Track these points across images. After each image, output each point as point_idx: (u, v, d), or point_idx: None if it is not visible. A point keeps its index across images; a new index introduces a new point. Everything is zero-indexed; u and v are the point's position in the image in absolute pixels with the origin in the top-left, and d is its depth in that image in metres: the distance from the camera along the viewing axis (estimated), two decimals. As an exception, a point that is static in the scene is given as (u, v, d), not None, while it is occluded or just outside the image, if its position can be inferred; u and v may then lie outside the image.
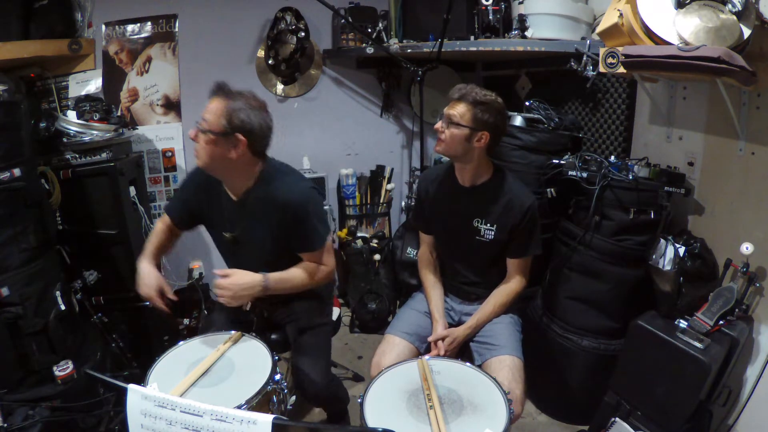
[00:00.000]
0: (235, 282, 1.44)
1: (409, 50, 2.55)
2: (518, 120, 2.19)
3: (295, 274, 1.55)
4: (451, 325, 1.86)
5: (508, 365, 1.56)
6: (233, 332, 1.51)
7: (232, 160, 1.42)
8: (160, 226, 1.70)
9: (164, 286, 1.55)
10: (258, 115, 1.43)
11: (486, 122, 1.58)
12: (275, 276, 1.51)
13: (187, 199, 1.66)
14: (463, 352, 1.74)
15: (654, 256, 1.72)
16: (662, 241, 1.72)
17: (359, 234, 3.17)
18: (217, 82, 1.46)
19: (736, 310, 1.60)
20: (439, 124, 1.63)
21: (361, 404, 1.26)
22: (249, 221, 1.55)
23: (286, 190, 1.50)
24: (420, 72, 2.39)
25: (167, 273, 2.66)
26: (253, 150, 1.45)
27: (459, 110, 1.58)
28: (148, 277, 1.54)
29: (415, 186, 3.14)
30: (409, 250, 2.80)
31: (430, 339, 1.70)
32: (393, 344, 1.69)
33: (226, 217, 1.60)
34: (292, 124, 3.07)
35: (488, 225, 1.69)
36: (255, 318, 1.68)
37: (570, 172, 1.95)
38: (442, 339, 1.67)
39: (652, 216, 1.79)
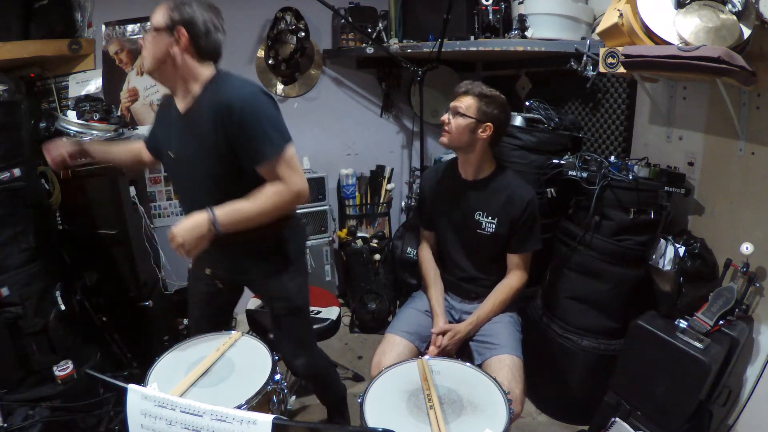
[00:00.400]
0: (181, 227, 1.30)
1: (409, 50, 2.55)
2: (518, 120, 2.19)
3: (246, 202, 1.35)
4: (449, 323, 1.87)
5: (507, 365, 1.57)
6: (233, 332, 1.51)
7: (175, 60, 1.33)
8: (135, 144, 1.70)
9: (66, 157, 1.55)
10: (204, 11, 1.34)
11: (490, 114, 1.65)
12: (223, 208, 1.33)
13: (154, 127, 1.61)
14: (462, 351, 1.74)
15: (654, 256, 1.72)
16: (662, 241, 1.72)
17: (359, 234, 3.17)
18: None
19: (736, 310, 1.60)
20: (445, 117, 1.69)
21: (361, 404, 1.26)
22: (192, 132, 1.40)
23: (231, 90, 1.34)
24: (420, 72, 2.39)
25: (167, 273, 2.66)
26: (197, 48, 1.35)
27: (465, 102, 1.66)
28: (63, 141, 1.58)
29: (415, 185, 3.15)
30: (409, 250, 2.80)
31: (433, 330, 1.70)
32: (393, 344, 1.69)
33: (173, 133, 1.47)
34: (292, 124, 2.98)
35: (489, 218, 1.73)
36: (220, 287, 1.64)
37: (570, 172, 1.95)
38: (444, 333, 1.68)
39: (652, 216, 1.79)
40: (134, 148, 1.68)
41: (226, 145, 1.34)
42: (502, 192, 1.73)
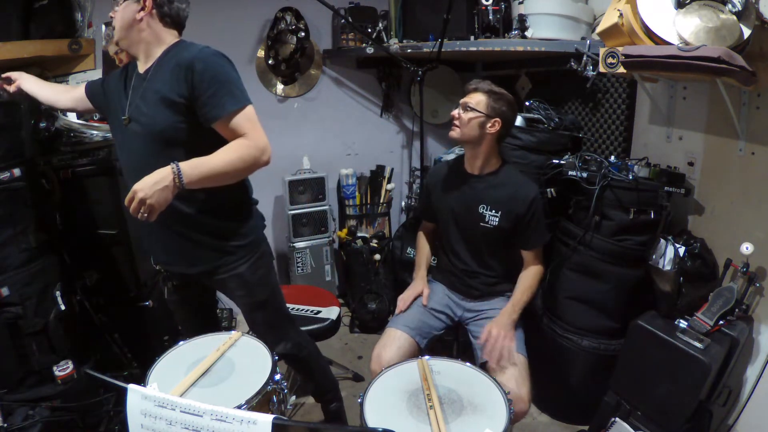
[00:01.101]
0: (143, 181, 1.21)
1: (409, 50, 2.55)
2: (518, 120, 2.19)
3: (211, 156, 1.29)
4: (452, 325, 1.87)
5: (513, 362, 1.58)
6: (233, 332, 1.51)
7: (140, 24, 1.39)
8: (66, 87, 1.77)
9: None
10: None
11: (499, 110, 1.71)
12: (187, 162, 1.26)
13: (103, 83, 1.61)
14: (464, 349, 1.75)
15: (654, 256, 1.72)
16: (662, 241, 1.72)
17: (359, 234, 3.17)
18: None
19: (736, 310, 1.60)
20: (455, 112, 1.76)
21: (361, 404, 1.27)
22: (150, 88, 1.37)
23: (194, 50, 1.35)
24: (420, 72, 2.39)
25: None
26: (161, 14, 1.40)
27: (475, 98, 1.73)
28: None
29: (415, 185, 3.15)
30: (409, 249, 2.80)
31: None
32: (394, 338, 1.71)
33: (127, 96, 1.43)
34: (292, 124, 3.07)
35: (493, 211, 1.77)
36: (169, 285, 1.62)
37: (570, 172, 1.95)
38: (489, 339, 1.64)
39: (652, 216, 1.79)
40: (75, 93, 1.70)
41: (185, 100, 1.32)
42: (507, 187, 1.78)
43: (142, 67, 1.45)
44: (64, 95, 1.70)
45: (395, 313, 1.86)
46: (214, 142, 1.34)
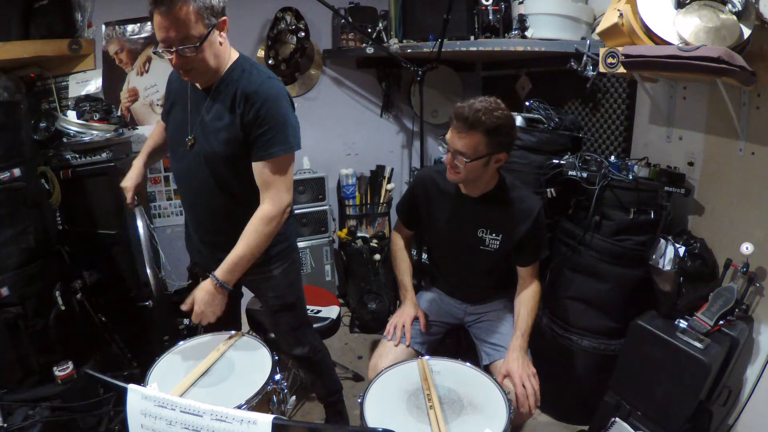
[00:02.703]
0: (198, 303, 1.39)
1: (409, 50, 2.55)
2: (518, 120, 2.19)
3: (240, 247, 1.38)
4: (453, 325, 1.85)
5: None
6: (233, 332, 1.51)
7: (221, 48, 1.33)
8: (157, 128, 1.70)
9: (143, 189, 1.63)
10: None
11: (502, 144, 1.49)
12: (222, 267, 1.39)
13: (168, 97, 1.57)
14: (467, 351, 1.73)
15: (654, 256, 1.72)
16: (662, 241, 1.72)
17: (359, 234, 3.17)
18: None
19: (736, 310, 1.60)
20: (448, 158, 1.51)
21: (361, 404, 1.27)
22: (211, 114, 1.38)
23: (253, 79, 1.34)
24: (420, 72, 2.39)
25: (167, 273, 2.66)
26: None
27: (471, 143, 1.44)
28: (134, 171, 1.61)
29: (413, 174, 3.13)
30: (409, 250, 2.80)
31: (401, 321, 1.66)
32: (391, 347, 1.67)
33: (190, 111, 1.43)
34: (292, 124, 3.07)
35: (493, 235, 1.64)
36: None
37: (570, 172, 1.95)
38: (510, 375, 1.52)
39: (652, 216, 1.79)
40: (158, 132, 1.69)
41: (237, 132, 1.35)
42: (507, 206, 1.62)
43: (201, 84, 1.40)
44: (162, 135, 1.67)
45: (389, 338, 1.68)
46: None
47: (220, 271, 1.39)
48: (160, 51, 1.27)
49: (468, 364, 1.46)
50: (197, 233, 1.57)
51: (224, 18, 1.29)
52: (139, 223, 1.59)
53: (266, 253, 1.51)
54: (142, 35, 2.63)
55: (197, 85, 1.41)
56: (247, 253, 1.39)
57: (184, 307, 1.42)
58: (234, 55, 1.40)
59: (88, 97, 2.39)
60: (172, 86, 1.54)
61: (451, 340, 1.93)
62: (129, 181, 1.60)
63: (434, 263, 1.89)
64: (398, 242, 1.86)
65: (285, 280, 1.62)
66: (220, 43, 1.32)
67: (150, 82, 2.66)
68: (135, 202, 1.61)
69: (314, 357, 1.79)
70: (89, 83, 2.55)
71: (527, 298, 1.67)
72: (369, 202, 3.22)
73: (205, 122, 1.40)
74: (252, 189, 1.41)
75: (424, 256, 2.40)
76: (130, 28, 2.61)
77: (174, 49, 1.23)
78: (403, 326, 1.68)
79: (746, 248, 1.54)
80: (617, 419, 1.72)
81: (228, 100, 1.35)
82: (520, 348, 1.56)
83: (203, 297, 1.39)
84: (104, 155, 2.18)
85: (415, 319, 1.72)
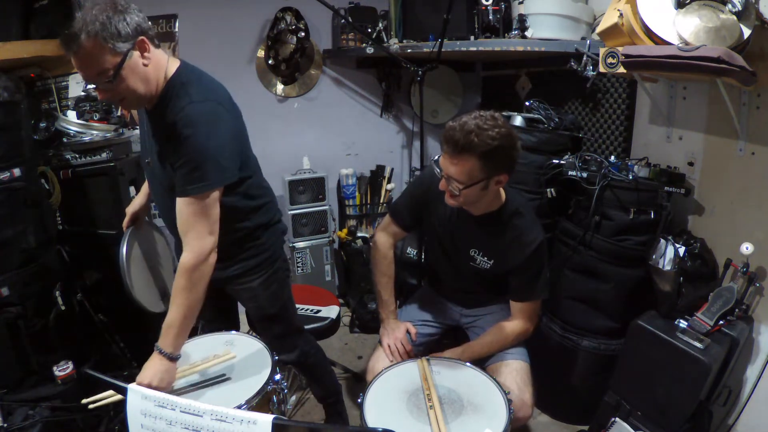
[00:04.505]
0: (144, 378, 1.22)
1: (409, 50, 2.55)
2: (518, 120, 2.19)
3: (172, 311, 1.25)
4: (451, 327, 1.85)
5: (515, 369, 1.55)
6: (233, 332, 1.51)
7: (148, 70, 1.21)
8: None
9: (141, 215, 1.64)
10: (102, 9, 1.13)
11: (500, 164, 1.33)
12: (162, 335, 1.25)
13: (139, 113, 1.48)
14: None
15: (654, 256, 1.72)
16: (662, 241, 1.72)
17: (359, 234, 3.17)
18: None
19: (736, 310, 1.60)
20: (443, 183, 1.38)
21: (361, 404, 1.27)
22: (156, 140, 1.32)
23: (178, 104, 1.22)
24: (420, 72, 2.39)
25: (167, 274, 2.65)
26: (151, 39, 1.21)
27: (464, 169, 1.30)
28: (137, 198, 1.63)
29: (413, 179, 3.13)
30: (409, 250, 2.79)
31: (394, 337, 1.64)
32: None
33: (146, 133, 1.37)
34: (292, 124, 3.06)
35: (485, 258, 1.56)
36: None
37: (570, 172, 1.95)
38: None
39: (652, 216, 1.79)
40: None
41: (170, 156, 1.25)
42: (507, 233, 1.50)
43: (148, 104, 1.31)
44: None
45: (390, 359, 1.61)
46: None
47: (161, 341, 1.25)
48: (90, 89, 1.24)
49: (468, 364, 1.47)
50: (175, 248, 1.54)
51: (140, 38, 1.17)
52: (123, 248, 1.53)
53: (244, 265, 1.48)
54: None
55: (145, 106, 1.32)
56: (179, 315, 1.24)
57: (138, 385, 1.16)
58: (172, 69, 1.27)
59: (88, 97, 2.38)
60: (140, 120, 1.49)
61: (449, 341, 1.93)
62: (130, 207, 1.62)
63: (433, 271, 1.87)
64: (384, 243, 1.72)
65: (265, 292, 1.56)
66: (145, 65, 1.20)
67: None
68: (128, 225, 1.61)
69: (306, 362, 1.77)
70: (89, 83, 2.54)
71: (502, 331, 1.57)
72: (369, 202, 3.22)
73: (154, 144, 1.33)
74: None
75: (424, 255, 2.40)
76: (130, 28, 2.60)
77: (95, 85, 1.19)
78: (402, 343, 1.63)
79: (746, 248, 1.54)
80: (617, 419, 1.72)
81: (165, 123, 1.24)
82: (451, 356, 1.52)
83: (154, 374, 1.22)
84: (104, 155, 2.18)
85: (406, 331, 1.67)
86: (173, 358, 1.25)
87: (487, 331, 1.62)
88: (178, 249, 1.44)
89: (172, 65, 1.28)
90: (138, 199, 1.64)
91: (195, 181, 1.21)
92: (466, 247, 1.58)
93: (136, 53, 1.17)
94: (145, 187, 1.64)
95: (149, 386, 1.18)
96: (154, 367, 1.23)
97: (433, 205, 1.61)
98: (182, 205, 1.24)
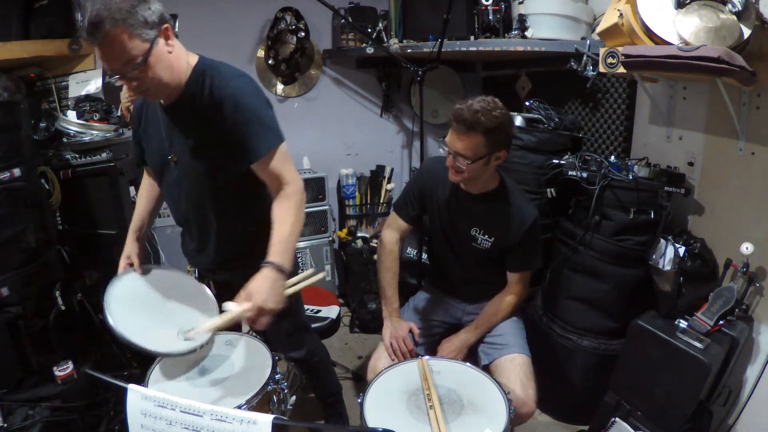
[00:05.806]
0: (260, 295, 1.17)
1: (409, 50, 2.55)
2: (518, 120, 2.19)
3: (280, 228, 1.26)
4: (455, 325, 1.85)
5: (519, 364, 1.57)
6: (233, 333, 1.51)
7: (171, 59, 1.22)
8: (145, 182, 1.62)
9: (136, 258, 1.51)
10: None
11: (501, 141, 1.50)
12: (273, 250, 1.23)
13: (139, 140, 1.48)
14: (469, 353, 1.73)
15: (654, 256, 1.72)
16: (662, 241, 1.72)
17: (359, 234, 3.17)
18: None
19: (736, 310, 1.60)
20: (449, 160, 1.53)
21: (361, 404, 1.27)
22: (185, 129, 1.32)
23: (218, 84, 1.26)
24: (420, 72, 2.39)
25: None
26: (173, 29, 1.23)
27: (471, 144, 1.46)
28: (126, 247, 1.51)
29: (413, 173, 3.13)
30: (408, 250, 2.79)
31: (394, 336, 1.67)
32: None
33: (165, 129, 1.35)
34: (292, 124, 3.07)
35: (486, 236, 1.65)
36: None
37: (570, 172, 1.95)
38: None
39: (652, 216, 1.79)
40: (148, 183, 1.61)
41: (219, 142, 1.28)
42: (504, 210, 1.63)
43: (164, 100, 1.32)
44: (154, 188, 1.59)
45: (393, 358, 1.65)
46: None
47: (272, 255, 1.23)
48: (113, 80, 1.22)
49: (468, 364, 1.47)
50: (196, 248, 1.52)
51: (165, 25, 1.18)
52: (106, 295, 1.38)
53: (256, 263, 1.44)
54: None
55: (161, 102, 1.33)
56: (287, 231, 1.26)
57: (234, 306, 1.16)
58: (193, 60, 1.30)
59: (88, 97, 2.39)
60: (141, 111, 1.47)
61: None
62: (124, 252, 1.52)
63: (433, 257, 1.90)
64: (390, 239, 1.78)
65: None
66: (170, 53, 1.21)
67: (150, 82, 2.66)
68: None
69: (311, 360, 1.78)
70: (89, 83, 2.54)
71: (500, 302, 1.72)
72: (369, 202, 3.22)
73: (181, 138, 1.33)
74: (244, 197, 1.39)
75: (425, 256, 2.40)
76: (130, 28, 2.60)
77: (122, 75, 1.18)
78: (404, 341, 1.66)
79: (746, 248, 1.54)
80: (617, 419, 1.72)
81: (199, 111, 1.27)
82: (465, 340, 1.66)
83: (261, 285, 1.17)
84: (104, 155, 2.18)
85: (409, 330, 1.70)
86: (283, 271, 1.23)
87: (489, 303, 1.73)
88: (202, 233, 1.46)
89: (192, 55, 1.32)
90: (127, 249, 1.53)
91: (264, 138, 1.28)
92: (467, 227, 1.67)
93: (162, 41, 1.19)
94: (131, 233, 1.55)
95: (256, 304, 1.15)
96: (265, 278, 1.19)
97: (434, 189, 1.71)
98: (261, 167, 1.29)
